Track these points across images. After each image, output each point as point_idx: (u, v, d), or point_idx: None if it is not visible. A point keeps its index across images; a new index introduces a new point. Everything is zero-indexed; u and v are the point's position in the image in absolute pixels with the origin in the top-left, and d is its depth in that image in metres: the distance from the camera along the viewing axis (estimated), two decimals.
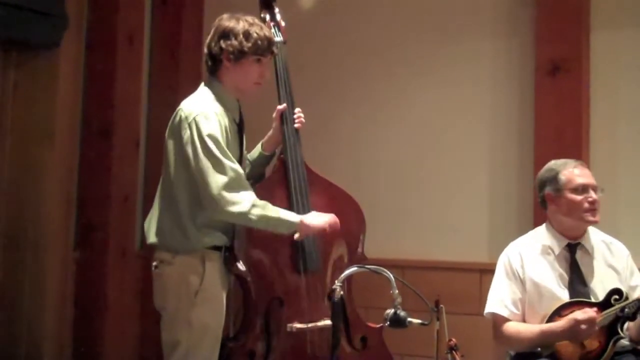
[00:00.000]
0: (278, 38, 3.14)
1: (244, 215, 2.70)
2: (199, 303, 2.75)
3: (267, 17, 3.18)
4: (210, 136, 2.72)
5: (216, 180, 2.69)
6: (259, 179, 3.11)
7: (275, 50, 2.93)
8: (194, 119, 2.74)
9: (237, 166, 2.74)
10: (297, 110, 3.12)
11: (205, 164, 2.70)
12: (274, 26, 3.15)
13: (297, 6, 3.99)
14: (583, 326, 2.70)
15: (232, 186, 2.70)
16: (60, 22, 4.01)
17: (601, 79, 3.70)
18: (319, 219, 2.84)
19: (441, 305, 2.98)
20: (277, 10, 3.20)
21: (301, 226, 2.79)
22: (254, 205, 2.71)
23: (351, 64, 4.17)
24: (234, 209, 2.69)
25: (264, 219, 2.73)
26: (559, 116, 3.62)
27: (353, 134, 4.15)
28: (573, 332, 2.72)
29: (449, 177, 3.92)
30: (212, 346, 2.79)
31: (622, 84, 3.70)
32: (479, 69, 3.91)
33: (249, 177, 2.96)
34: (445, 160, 3.93)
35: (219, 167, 2.70)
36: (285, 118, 3.09)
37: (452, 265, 3.77)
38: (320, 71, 4.12)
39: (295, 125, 3.09)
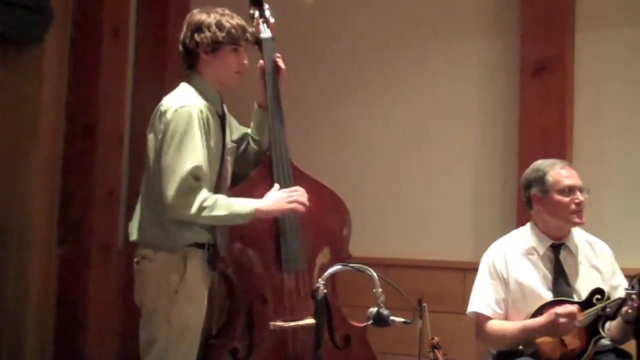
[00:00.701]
0: (267, 34, 3.14)
1: (194, 217, 2.71)
2: (179, 301, 2.75)
3: (256, 13, 3.18)
4: (178, 132, 2.71)
5: (170, 183, 2.68)
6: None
7: (249, 37, 2.93)
8: (172, 113, 2.75)
9: (195, 167, 2.70)
10: (276, 55, 3.09)
11: (168, 163, 2.71)
12: (262, 22, 3.15)
13: (287, 4, 3.98)
14: (562, 320, 2.71)
15: (183, 190, 2.68)
16: (45, 17, 3.97)
17: (586, 79, 3.71)
18: (279, 203, 2.82)
19: (424, 304, 2.99)
20: (266, 6, 3.20)
21: (258, 214, 2.78)
22: (202, 208, 2.69)
23: (339, 62, 4.16)
24: (183, 212, 2.70)
25: (215, 218, 2.73)
26: (543, 116, 3.63)
27: (340, 131, 4.14)
28: (553, 327, 2.73)
29: (434, 176, 3.92)
30: (191, 344, 2.78)
31: (606, 84, 3.71)
32: (465, 68, 3.92)
33: (250, 161, 3.04)
34: (430, 160, 3.94)
35: (178, 168, 2.68)
36: (271, 114, 3.08)
37: (436, 264, 3.77)
38: (307, 69, 4.11)
39: (278, 66, 3.07)
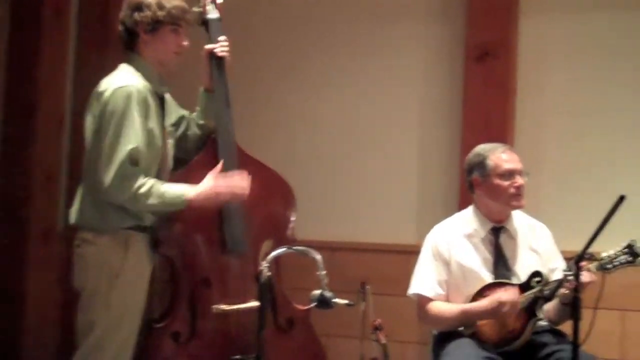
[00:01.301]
0: (213, 15, 3.09)
1: (128, 204, 2.68)
2: (120, 285, 2.71)
3: None
4: (116, 114, 2.67)
5: (107, 166, 2.65)
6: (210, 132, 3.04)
7: (190, 17, 2.89)
8: (109, 94, 2.71)
9: (132, 150, 2.66)
10: (221, 38, 3.06)
11: (105, 146, 2.67)
12: (210, 3, 3.10)
13: None
14: (506, 307, 2.75)
15: (119, 174, 2.65)
16: None
17: (529, 64, 3.77)
18: (215, 195, 2.78)
19: (367, 286, 3.01)
20: None
21: (192, 204, 2.75)
22: (136, 195, 2.66)
23: (286, 45, 4.14)
24: (118, 197, 2.67)
25: (148, 206, 2.70)
26: (486, 101, 3.68)
27: (286, 115, 4.13)
28: (495, 312, 2.77)
29: (379, 160, 3.95)
30: (131, 329, 2.75)
31: (549, 69, 3.77)
32: (410, 53, 3.94)
33: (194, 142, 3.00)
34: (374, 143, 3.96)
35: (116, 152, 2.65)
36: (217, 97, 3.04)
37: (380, 247, 3.80)
38: (255, 52, 4.08)
39: (220, 54, 3.03)
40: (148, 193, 2.67)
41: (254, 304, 2.77)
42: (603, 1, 3.72)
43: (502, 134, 3.55)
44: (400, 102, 3.93)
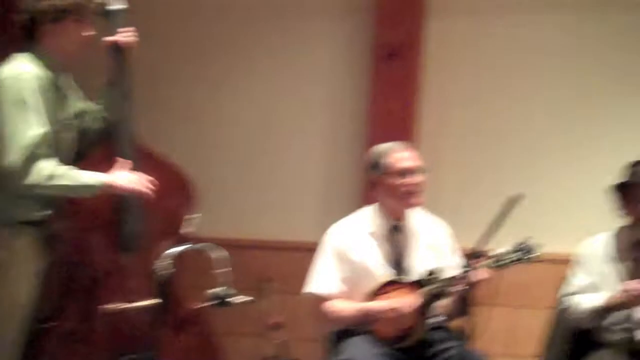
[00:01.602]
0: (116, 6, 3.02)
1: (41, 186, 2.60)
2: (7, 279, 2.64)
3: None
4: (15, 100, 2.60)
5: (13, 150, 2.57)
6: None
7: (93, 7, 2.82)
8: (5, 81, 2.64)
9: (39, 134, 2.60)
10: (124, 29, 2.99)
11: (8, 131, 2.59)
12: None
13: None
14: (405, 308, 2.78)
15: (28, 157, 2.58)
16: None
17: (434, 65, 3.84)
18: (132, 182, 2.75)
19: (268, 283, 3.00)
20: None
21: (108, 188, 2.71)
22: (52, 176, 2.60)
23: (193, 40, 4.11)
24: (29, 180, 2.58)
25: (64, 188, 2.63)
26: (391, 100, 3.74)
27: (194, 111, 4.09)
28: (395, 312, 2.80)
29: (284, 156, 3.96)
30: (17, 327, 2.67)
31: (453, 70, 3.85)
32: (318, 50, 3.98)
33: (91, 133, 2.92)
34: (281, 140, 3.97)
35: (18, 136, 2.58)
36: (117, 90, 2.97)
37: (283, 245, 3.81)
38: (161, 46, 4.02)
39: (122, 46, 2.96)
40: (63, 174, 2.62)
41: (148, 302, 2.72)
42: (505, 5, 3.80)
43: (404, 132, 3.61)
44: (306, 99, 3.95)
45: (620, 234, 3.02)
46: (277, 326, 2.90)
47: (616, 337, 2.91)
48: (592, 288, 2.96)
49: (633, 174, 2.97)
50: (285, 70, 3.97)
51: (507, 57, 3.80)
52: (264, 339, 2.99)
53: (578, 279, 3.02)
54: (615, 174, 3.01)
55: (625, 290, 2.82)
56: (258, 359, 2.98)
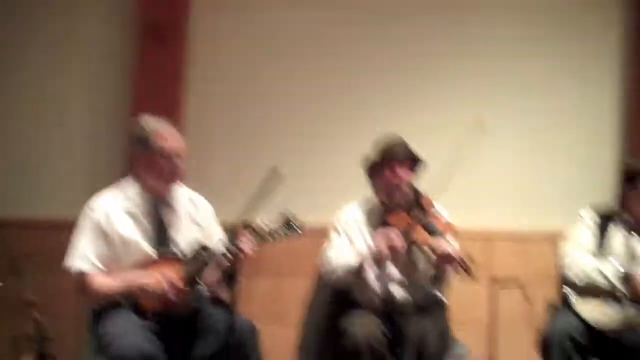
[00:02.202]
0: None
1: None
2: None
3: None
4: None
5: None
6: None
7: None
8: None
9: None
10: None
11: None
12: None
13: None
14: (168, 284, 2.77)
15: None
16: None
17: (203, 46, 3.91)
18: None
19: (26, 261, 2.86)
20: None
21: None
22: None
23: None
24: None
25: None
26: (159, 77, 3.74)
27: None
28: (157, 288, 2.78)
29: (50, 129, 3.90)
30: None
31: (220, 51, 3.93)
32: (88, 24, 3.94)
33: None
34: (47, 112, 3.91)
35: None
36: None
37: (47, 222, 3.70)
38: None
39: None
40: None
41: None
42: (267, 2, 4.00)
43: (172, 110, 3.60)
44: (71, 77, 3.88)
45: (372, 208, 3.21)
46: (30, 304, 2.77)
47: (367, 296, 3.09)
48: (350, 250, 3.13)
49: (381, 153, 3.15)
50: (51, 49, 3.91)
51: (270, 46, 3.99)
52: (22, 318, 2.85)
53: (337, 241, 3.17)
54: (368, 150, 3.20)
55: (375, 247, 3.01)
56: (12, 338, 2.83)
